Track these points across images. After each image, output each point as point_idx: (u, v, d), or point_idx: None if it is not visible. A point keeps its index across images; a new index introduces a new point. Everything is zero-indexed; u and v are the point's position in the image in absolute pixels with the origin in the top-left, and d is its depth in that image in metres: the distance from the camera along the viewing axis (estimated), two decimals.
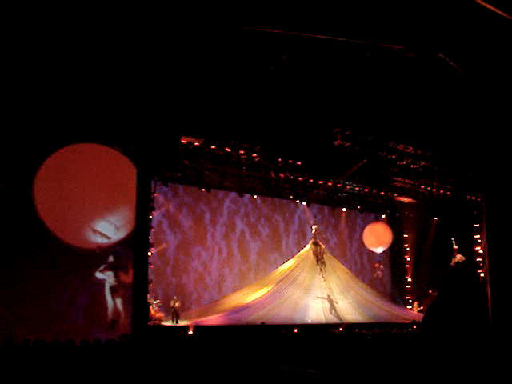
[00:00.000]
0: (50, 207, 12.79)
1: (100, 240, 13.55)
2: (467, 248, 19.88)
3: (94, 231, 13.49)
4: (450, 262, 20.11)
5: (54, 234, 12.76)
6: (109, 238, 13.64)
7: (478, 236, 19.59)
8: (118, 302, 13.55)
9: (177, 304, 15.80)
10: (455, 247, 20.40)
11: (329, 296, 18.67)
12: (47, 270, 12.65)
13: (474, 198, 19.09)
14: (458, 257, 20.10)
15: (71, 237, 13.04)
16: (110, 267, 13.75)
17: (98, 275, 13.52)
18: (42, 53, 10.62)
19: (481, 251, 19.69)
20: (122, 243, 13.80)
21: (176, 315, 15.58)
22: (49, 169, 12.81)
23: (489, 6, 5.96)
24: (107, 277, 13.60)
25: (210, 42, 10.39)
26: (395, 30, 7.31)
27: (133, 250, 13.56)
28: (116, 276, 13.70)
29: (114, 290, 13.58)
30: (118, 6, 8.74)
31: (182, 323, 15.38)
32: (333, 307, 18.45)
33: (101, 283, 13.52)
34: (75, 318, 12.84)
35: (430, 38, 7.11)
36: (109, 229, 13.67)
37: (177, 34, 9.86)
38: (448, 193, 20.04)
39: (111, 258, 13.72)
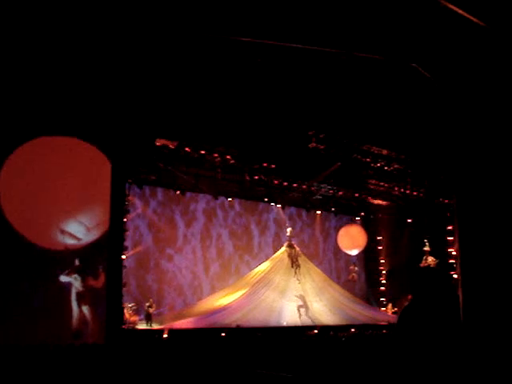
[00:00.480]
0: (15, 204, 12.08)
1: (69, 241, 12.64)
2: (441, 250, 20.06)
3: (63, 232, 12.59)
4: (422, 264, 20.27)
5: (20, 233, 12.02)
6: (79, 239, 12.74)
7: (452, 238, 19.75)
8: (85, 309, 12.62)
9: (151, 309, 15.70)
10: (426, 249, 20.58)
11: (304, 298, 18.70)
12: (8, 271, 11.92)
13: (446, 200, 19.28)
14: (430, 259, 20.27)
15: (38, 237, 12.25)
16: (78, 271, 12.71)
17: (64, 279, 12.53)
18: (19, 44, 10.44)
19: (454, 253, 19.85)
20: (93, 245, 12.94)
21: (149, 319, 15.50)
22: (15, 163, 12.13)
23: (461, 12, 6.03)
24: (74, 282, 12.60)
25: (185, 46, 10.38)
26: (369, 40, 7.37)
27: (107, 253, 13.02)
28: (84, 281, 12.70)
29: (80, 296, 12.57)
30: (87, 8, 8.71)
31: (156, 326, 15.31)
32: (308, 310, 18.48)
33: (66, 288, 12.50)
34: (28, 325, 11.84)
35: (403, 48, 7.19)
36: (79, 230, 12.77)
37: (154, 38, 9.84)
38: (421, 195, 20.24)
39: (78, 262, 12.70)
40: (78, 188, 12.80)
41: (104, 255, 13.07)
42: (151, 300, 16.06)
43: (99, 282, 12.86)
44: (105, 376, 9.98)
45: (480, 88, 6.47)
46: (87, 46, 10.51)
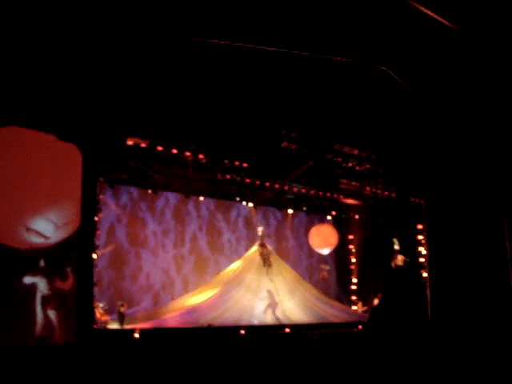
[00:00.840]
0: None
1: (35, 240, 11.69)
2: (411, 249, 20.25)
3: (29, 229, 11.67)
4: (391, 263, 20.45)
5: None
6: (46, 237, 11.88)
7: (422, 237, 19.94)
8: (52, 314, 11.75)
9: (122, 308, 15.60)
10: (396, 248, 20.76)
11: (275, 297, 18.74)
12: None
13: (417, 199, 19.47)
14: (400, 258, 20.46)
15: (1, 234, 11.41)
16: (43, 272, 11.79)
17: (28, 280, 11.60)
18: None
19: (424, 252, 20.02)
20: (61, 245, 12.15)
21: (121, 318, 15.40)
22: None
23: (431, 14, 6.10)
24: (39, 283, 11.71)
25: (157, 46, 10.37)
26: (338, 42, 7.44)
27: (77, 252, 12.60)
28: (50, 283, 11.80)
29: (46, 299, 11.65)
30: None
31: (128, 326, 15.23)
32: (279, 308, 18.53)
33: (30, 291, 11.59)
34: None
35: (372, 51, 7.26)
36: (47, 227, 11.89)
37: (125, 38, 9.81)
38: (392, 194, 20.42)
39: (43, 262, 11.81)
40: (46, 183, 12.14)
41: (73, 256, 12.45)
42: (123, 299, 15.97)
43: (67, 284, 12.15)
44: (75, 376, 9.90)
45: (449, 89, 6.57)
46: (61, 44, 10.43)
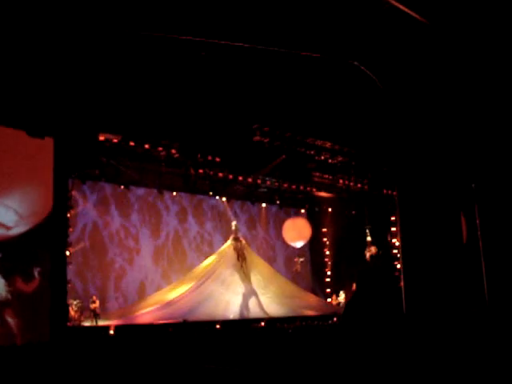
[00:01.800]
0: None
1: None
2: (384, 240, 20.40)
3: None
4: (365, 255, 20.59)
5: None
6: (8, 227, 10.69)
7: (394, 229, 20.09)
8: (12, 322, 10.58)
9: (95, 305, 15.47)
10: (369, 239, 20.89)
11: (250, 291, 18.75)
12: None
13: (389, 192, 19.62)
14: (373, 249, 20.60)
15: None
16: (1, 270, 10.46)
17: None
18: None
19: (397, 243, 20.18)
20: (27, 241, 10.99)
21: (95, 316, 15.29)
22: None
23: (403, 8, 6.14)
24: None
25: (129, 41, 10.31)
26: (311, 38, 7.46)
27: (49, 249, 11.72)
28: (10, 284, 10.56)
29: (3, 303, 10.40)
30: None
31: (102, 323, 15.13)
32: (254, 302, 18.55)
33: None
34: None
35: (344, 47, 7.30)
36: (7, 216, 10.67)
37: (96, 33, 9.74)
38: (365, 187, 20.54)
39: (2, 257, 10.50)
40: (10, 175, 11.07)
41: (43, 255, 11.40)
42: (95, 296, 15.84)
43: (30, 286, 10.94)
44: (50, 375, 9.80)
45: (419, 83, 6.62)
46: (32, 39, 10.32)
